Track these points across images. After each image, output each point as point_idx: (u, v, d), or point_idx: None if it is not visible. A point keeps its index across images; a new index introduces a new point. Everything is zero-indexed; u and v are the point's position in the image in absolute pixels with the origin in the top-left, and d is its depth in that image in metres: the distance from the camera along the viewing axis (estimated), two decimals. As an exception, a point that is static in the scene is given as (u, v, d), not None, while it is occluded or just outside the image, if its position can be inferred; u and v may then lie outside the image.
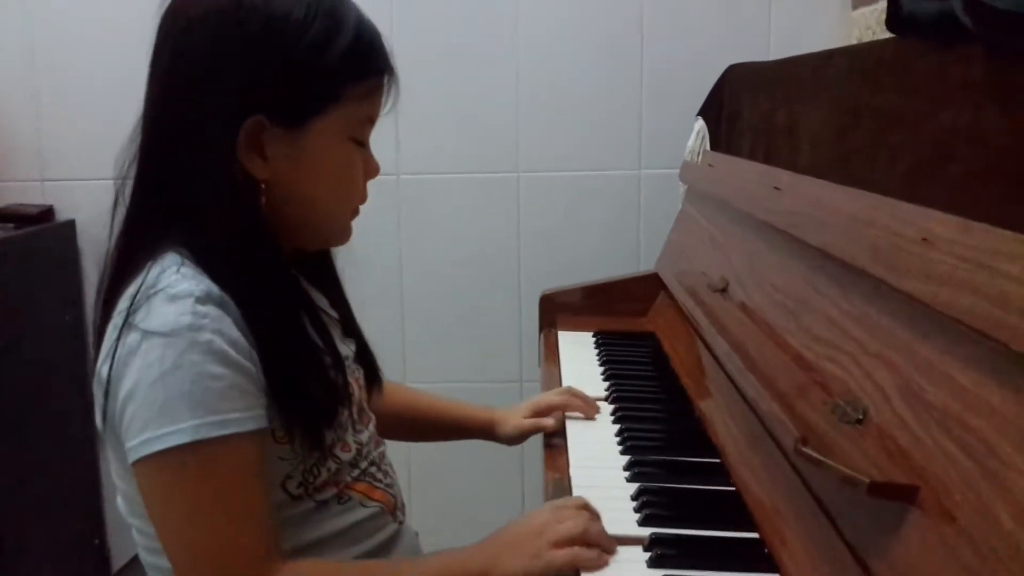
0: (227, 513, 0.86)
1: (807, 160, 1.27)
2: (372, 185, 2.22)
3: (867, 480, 0.69)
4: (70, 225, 2.30)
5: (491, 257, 2.29)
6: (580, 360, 1.62)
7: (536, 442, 1.32)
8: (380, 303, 2.30)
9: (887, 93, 1.02)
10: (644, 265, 2.16)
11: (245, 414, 0.86)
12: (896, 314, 0.82)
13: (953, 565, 0.62)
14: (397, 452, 1.15)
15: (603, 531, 0.95)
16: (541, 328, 1.88)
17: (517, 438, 1.33)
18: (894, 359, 0.80)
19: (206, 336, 0.85)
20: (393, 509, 1.07)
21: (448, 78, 2.21)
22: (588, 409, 1.32)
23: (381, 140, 2.32)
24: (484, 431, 1.36)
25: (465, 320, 2.32)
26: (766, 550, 0.93)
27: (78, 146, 2.23)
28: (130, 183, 0.95)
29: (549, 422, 1.29)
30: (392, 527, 1.06)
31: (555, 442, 1.25)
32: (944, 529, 0.65)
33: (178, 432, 0.83)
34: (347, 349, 1.07)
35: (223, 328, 0.86)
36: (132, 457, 0.86)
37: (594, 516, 0.96)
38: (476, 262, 2.30)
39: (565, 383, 1.51)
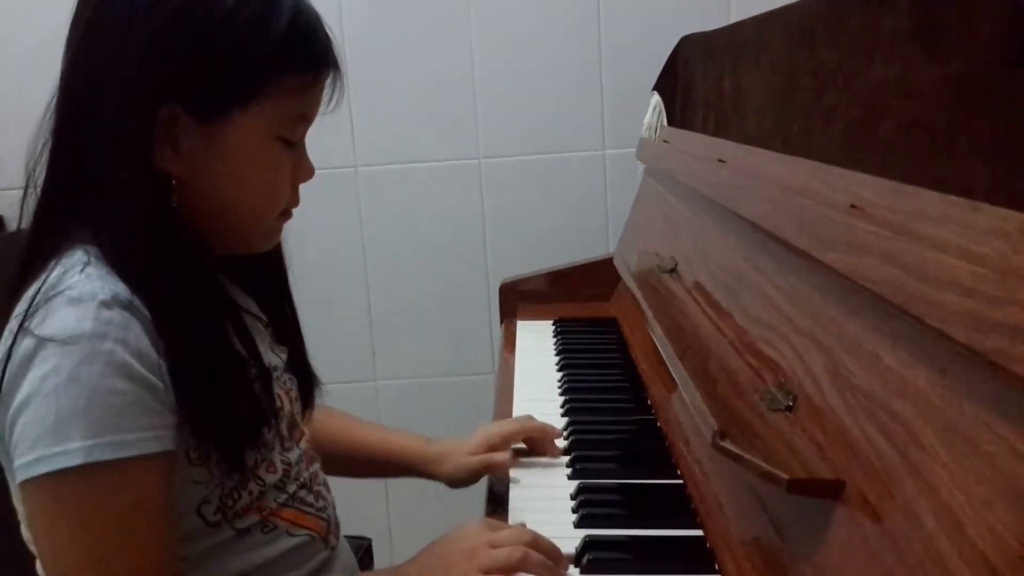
0: (119, 546, 0.77)
1: (752, 128, 1.19)
2: (330, 179, 2.19)
3: (786, 477, 0.62)
4: (22, 236, 2.22)
5: (457, 247, 2.22)
6: (537, 350, 1.56)
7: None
8: (346, 300, 2.23)
9: (823, 51, 0.95)
10: (613, 247, 2.08)
11: (146, 435, 0.77)
12: (825, 290, 0.75)
13: (875, 572, 0.56)
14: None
15: (543, 562, 0.84)
16: (502, 318, 1.82)
17: (463, 480, 1.13)
18: (824, 340, 0.73)
19: (108, 345, 0.76)
20: (325, 534, 0.97)
21: (401, 65, 2.13)
22: (549, 447, 1.12)
23: (336, 133, 2.25)
24: (420, 467, 1.17)
25: (434, 313, 2.25)
26: (709, 548, 0.87)
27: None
28: (43, 169, 0.85)
29: (502, 457, 1.10)
30: (323, 554, 0.97)
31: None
32: (867, 529, 0.58)
33: (69, 453, 0.74)
34: (276, 358, 0.97)
35: (128, 337, 0.77)
36: (19, 477, 0.77)
37: (534, 543, 0.86)
38: (442, 253, 2.22)
39: (519, 376, 1.45)
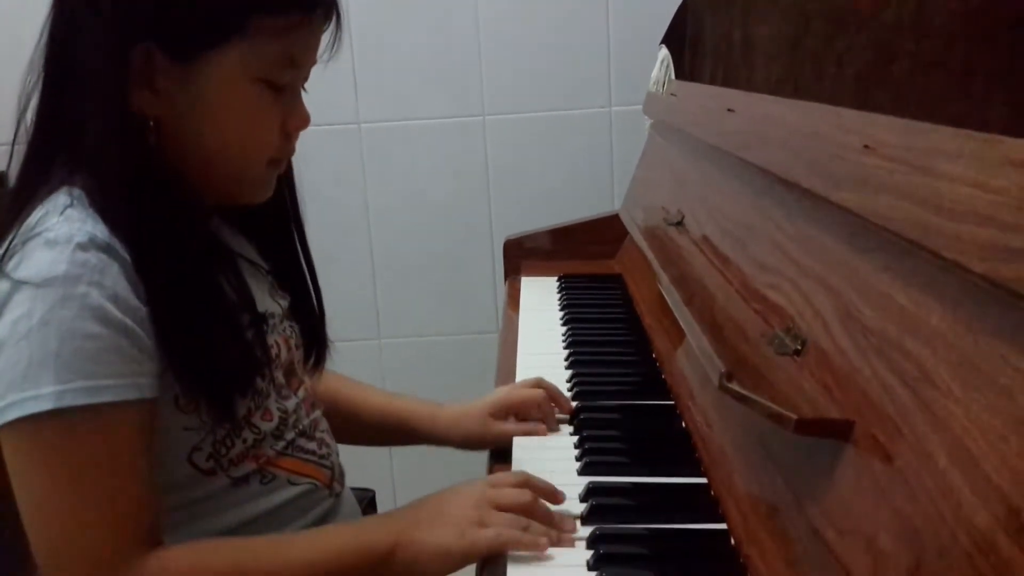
0: (89, 492, 0.76)
1: (762, 77, 1.17)
2: (333, 135, 2.17)
3: (794, 416, 0.61)
4: (24, 190, 2.21)
5: (461, 204, 2.20)
6: (541, 306, 1.54)
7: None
8: (349, 257, 2.21)
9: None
10: (619, 204, 2.07)
11: (121, 381, 0.76)
12: (836, 232, 0.73)
13: (884, 510, 0.55)
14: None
15: (547, 511, 0.83)
16: (506, 275, 1.80)
17: (476, 444, 1.10)
18: (834, 282, 0.72)
19: (82, 288, 0.75)
20: (329, 482, 0.96)
21: (405, 20, 2.10)
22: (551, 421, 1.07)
23: (339, 89, 2.22)
24: (429, 432, 1.13)
25: (438, 270, 2.24)
26: (713, 495, 0.86)
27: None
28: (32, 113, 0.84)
29: (543, 428, 1.06)
30: (327, 502, 0.96)
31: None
32: (877, 469, 0.57)
33: (40, 398, 0.73)
34: (275, 305, 0.96)
35: (104, 280, 0.76)
36: None
37: (533, 486, 0.85)
38: (446, 210, 2.20)
39: (523, 331, 1.44)
